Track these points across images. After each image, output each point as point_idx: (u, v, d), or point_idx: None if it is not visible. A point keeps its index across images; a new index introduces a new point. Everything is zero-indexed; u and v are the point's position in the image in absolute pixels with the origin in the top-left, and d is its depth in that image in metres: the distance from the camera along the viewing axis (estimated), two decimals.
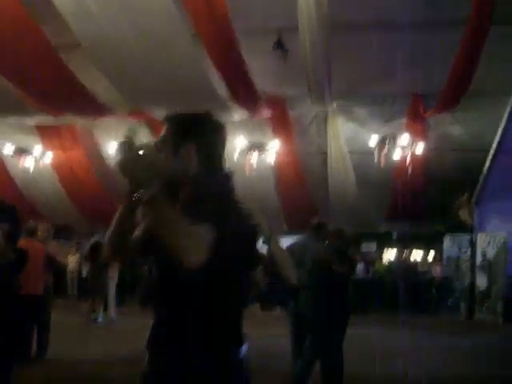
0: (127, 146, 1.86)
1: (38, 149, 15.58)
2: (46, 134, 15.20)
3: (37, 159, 15.62)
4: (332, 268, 5.96)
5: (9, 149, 15.58)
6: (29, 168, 15.46)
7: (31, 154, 15.54)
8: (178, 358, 1.97)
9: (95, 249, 11.90)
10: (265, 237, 2.45)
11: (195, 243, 1.81)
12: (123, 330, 10.70)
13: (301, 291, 5.83)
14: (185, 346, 1.97)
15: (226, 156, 2.25)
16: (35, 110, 12.21)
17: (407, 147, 13.26)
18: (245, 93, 11.00)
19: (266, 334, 9.09)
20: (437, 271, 16.09)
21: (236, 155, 14.20)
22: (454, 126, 13.39)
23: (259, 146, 14.33)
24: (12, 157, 15.68)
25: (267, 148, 14.26)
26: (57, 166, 16.03)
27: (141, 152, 1.84)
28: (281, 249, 2.56)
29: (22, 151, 15.54)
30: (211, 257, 1.79)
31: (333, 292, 5.92)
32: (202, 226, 1.82)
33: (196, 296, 1.96)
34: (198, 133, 2.18)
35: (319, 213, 16.58)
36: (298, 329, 6.18)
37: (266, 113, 12.68)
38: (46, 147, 15.63)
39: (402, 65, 10.86)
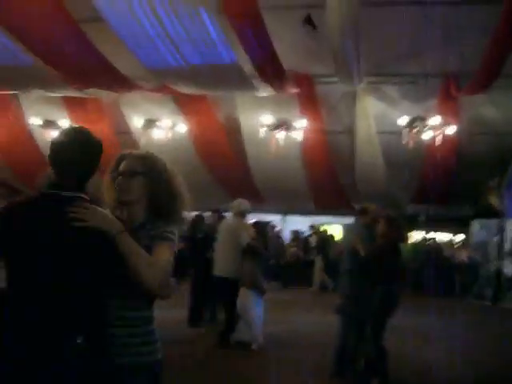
0: None
1: (65, 122, 15.60)
2: (72, 106, 15.19)
3: None
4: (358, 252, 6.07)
5: (37, 121, 15.63)
6: None
7: (59, 126, 15.55)
8: None
9: None
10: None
11: None
12: None
13: (342, 275, 6.31)
14: None
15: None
16: (62, 84, 12.16)
17: (438, 129, 12.90)
18: (270, 69, 10.78)
19: None
20: (463, 256, 15.76)
21: (262, 132, 14.06)
22: (487, 109, 12.98)
23: (286, 124, 14.09)
24: (41, 127, 15.71)
25: (294, 126, 14.02)
26: None
27: None
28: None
29: (49, 124, 15.56)
30: None
31: (366, 278, 5.97)
32: None
33: None
34: None
35: (345, 193, 16.44)
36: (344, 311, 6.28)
37: (292, 89, 12.44)
38: (73, 120, 15.64)
39: (435, 43, 10.53)
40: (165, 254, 2.37)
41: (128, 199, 2.54)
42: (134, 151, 2.70)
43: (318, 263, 15.86)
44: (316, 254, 16.38)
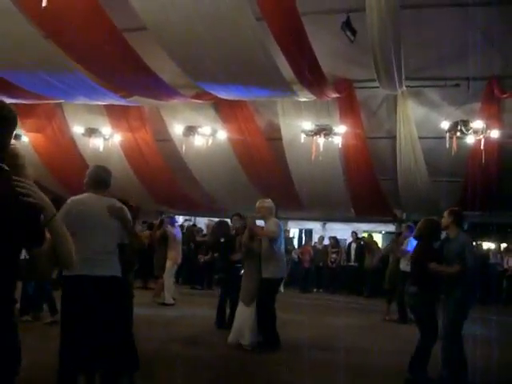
0: None
1: (106, 130, 15.91)
2: (114, 114, 15.46)
3: (106, 139, 15.94)
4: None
5: (79, 129, 15.94)
6: (98, 148, 15.78)
7: (100, 134, 15.86)
8: None
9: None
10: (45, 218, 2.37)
11: None
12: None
13: None
14: None
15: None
16: (105, 91, 12.36)
17: (481, 133, 12.63)
18: (310, 75, 10.75)
19: None
20: (509, 263, 15.35)
21: (302, 138, 14.02)
22: None
23: (326, 130, 14.01)
24: (83, 135, 16.04)
25: (334, 131, 13.93)
26: (125, 147, 16.31)
27: None
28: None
29: (91, 131, 15.86)
30: None
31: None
32: None
33: None
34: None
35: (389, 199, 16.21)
36: None
37: (332, 94, 12.38)
38: (115, 128, 15.91)
39: (478, 45, 10.34)
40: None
41: None
42: None
43: None
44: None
